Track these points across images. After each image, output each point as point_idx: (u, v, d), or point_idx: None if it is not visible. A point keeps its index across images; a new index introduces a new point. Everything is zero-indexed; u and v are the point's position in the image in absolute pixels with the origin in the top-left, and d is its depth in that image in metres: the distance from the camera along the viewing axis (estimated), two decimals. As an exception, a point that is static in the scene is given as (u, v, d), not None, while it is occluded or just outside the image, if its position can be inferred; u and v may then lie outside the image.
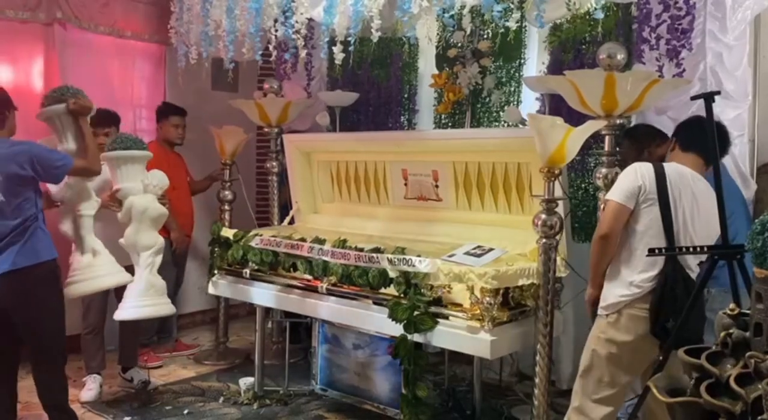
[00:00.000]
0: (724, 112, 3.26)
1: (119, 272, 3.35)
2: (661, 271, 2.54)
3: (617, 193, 2.62)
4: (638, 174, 2.61)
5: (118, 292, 3.73)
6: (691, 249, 2.54)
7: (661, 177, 2.59)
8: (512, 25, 3.13)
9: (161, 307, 3.47)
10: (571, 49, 3.96)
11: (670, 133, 3.46)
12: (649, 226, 2.58)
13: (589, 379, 2.66)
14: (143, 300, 3.39)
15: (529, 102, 4.21)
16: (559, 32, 4.01)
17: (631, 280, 2.60)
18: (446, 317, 2.99)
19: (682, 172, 2.64)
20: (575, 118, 3.19)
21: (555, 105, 3.82)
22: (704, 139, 2.60)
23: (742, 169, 3.34)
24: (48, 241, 3.01)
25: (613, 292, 2.64)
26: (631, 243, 2.62)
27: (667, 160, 2.79)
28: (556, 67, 4.01)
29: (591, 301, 2.79)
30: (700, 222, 2.61)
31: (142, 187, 3.41)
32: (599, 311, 2.71)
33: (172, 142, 4.77)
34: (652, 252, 2.46)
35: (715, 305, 2.56)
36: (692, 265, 2.61)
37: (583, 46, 3.92)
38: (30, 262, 2.92)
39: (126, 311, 3.42)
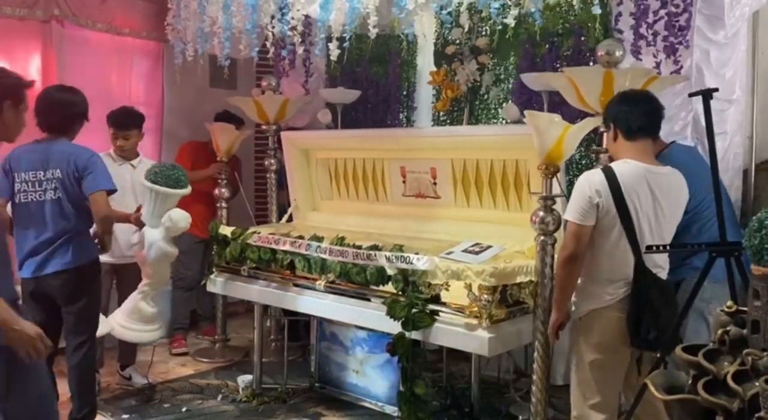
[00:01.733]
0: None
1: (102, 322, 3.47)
2: (633, 281, 2.48)
3: (574, 214, 2.50)
4: (591, 188, 2.47)
5: (121, 293, 3.75)
6: (686, 246, 2.53)
7: (614, 185, 2.45)
8: (510, 21, 3.12)
9: (140, 334, 3.51)
10: (544, 43, 3.97)
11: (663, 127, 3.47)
12: (614, 242, 2.50)
13: (580, 386, 2.62)
14: (126, 322, 3.47)
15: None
16: (526, 25, 3.99)
17: (600, 290, 2.54)
18: (444, 315, 2.99)
19: (634, 171, 2.49)
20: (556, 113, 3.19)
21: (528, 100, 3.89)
22: (643, 118, 2.53)
23: (723, 167, 3.34)
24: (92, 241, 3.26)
25: (584, 304, 2.60)
26: (597, 257, 2.54)
27: (611, 151, 2.68)
28: (527, 63, 4.01)
29: (556, 327, 2.71)
30: (665, 216, 2.53)
31: (160, 221, 3.41)
32: (573, 316, 2.67)
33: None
34: (650, 249, 2.45)
35: (705, 295, 2.55)
36: (660, 262, 2.57)
37: (555, 40, 3.92)
38: (86, 260, 3.15)
39: (109, 325, 3.50)
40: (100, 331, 3.39)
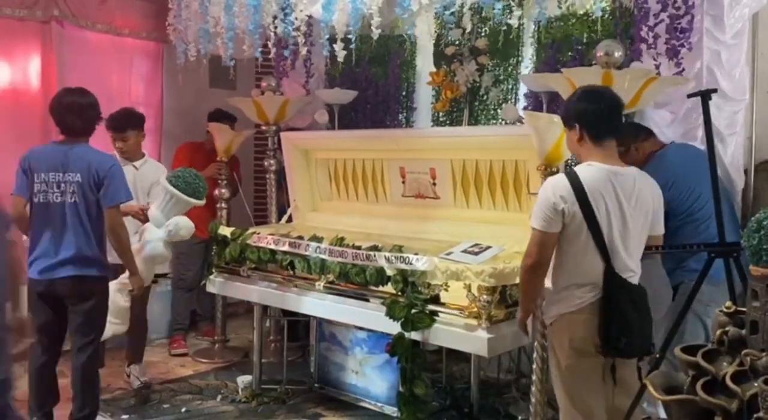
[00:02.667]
0: (721, 110, 3.25)
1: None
2: (602, 287, 2.42)
3: (538, 221, 2.43)
4: (556, 194, 2.40)
5: None
6: (685, 247, 2.52)
7: (579, 189, 2.38)
8: (513, 22, 3.12)
9: (118, 327, 3.50)
10: (567, 49, 3.96)
11: (669, 128, 3.45)
12: (581, 248, 2.43)
13: (562, 391, 2.57)
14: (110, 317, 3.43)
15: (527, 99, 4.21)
16: (551, 30, 4.01)
17: (568, 294, 2.49)
18: (444, 315, 2.99)
19: (598, 174, 2.42)
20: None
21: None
22: (611, 119, 2.47)
23: (734, 167, 3.33)
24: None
25: (553, 308, 2.55)
26: (564, 263, 2.49)
27: (574, 152, 2.61)
28: (548, 67, 4.00)
29: (522, 325, 2.69)
30: (633, 218, 2.46)
31: (165, 223, 3.42)
32: (546, 322, 2.63)
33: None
34: (649, 249, 2.44)
35: (703, 297, 2.51)
36: (633, 266, 2.49)
37: (579, 47, 3.91)
38: (100, 269, 3.20)
39: (111, 329, 3.48)
40: (104, 334, 3.39)
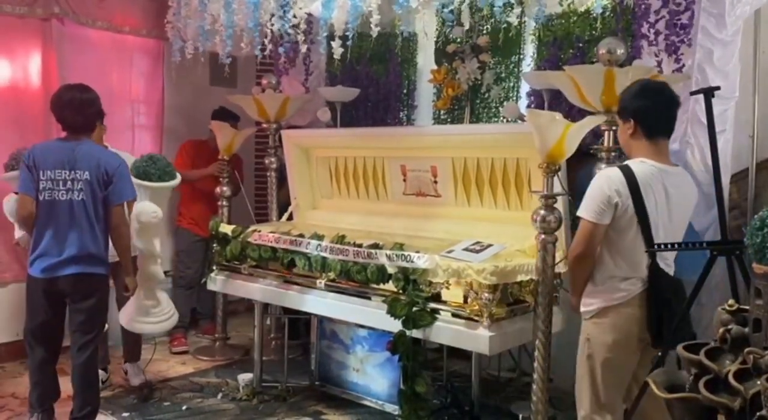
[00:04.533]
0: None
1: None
2: (648, 281, 2.45)
3: (589, 211, 2.45)
4: (611, 187, 2.42)
5: (116, 290, 3.73)
6: (687, 245, 2.52)
7: (633, 184, 2.41)
8: (513, 20, 3.12)
9: (143, 325, 3.53)
10: (569, 47, 3.96)
11: None
12: (630, 242, 2.45)
13: (588, 385, 2.57)
14: (136, 315, 3.48)
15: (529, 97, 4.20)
16: (552, 28, 4.01)
17: (614, 287, 2.50)
18: (445, 313, 2.99)
19: (650, 171, 2.45)
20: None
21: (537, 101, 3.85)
22: (668, 117, 2.49)
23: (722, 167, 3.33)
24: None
25: (596, 298, 2.55)
26: (613, 256, 2.50)
27: (624, 145, 2.61)
28: (549, 64, 4.00)
29: (576, 309, 2.71)
30: (677, 215, 2.51)
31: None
32: (584, 315, 2.63)
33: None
34: (651, 247, 2.45)
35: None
36: (670, 260, 2.55)
37: (581, 44, 3.91)
38: (104, 268, 3.21)
39: (125, 320, 3.55)
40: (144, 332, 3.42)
